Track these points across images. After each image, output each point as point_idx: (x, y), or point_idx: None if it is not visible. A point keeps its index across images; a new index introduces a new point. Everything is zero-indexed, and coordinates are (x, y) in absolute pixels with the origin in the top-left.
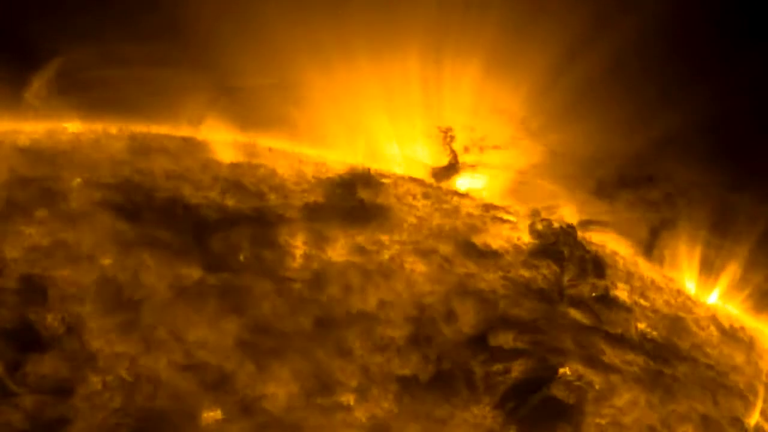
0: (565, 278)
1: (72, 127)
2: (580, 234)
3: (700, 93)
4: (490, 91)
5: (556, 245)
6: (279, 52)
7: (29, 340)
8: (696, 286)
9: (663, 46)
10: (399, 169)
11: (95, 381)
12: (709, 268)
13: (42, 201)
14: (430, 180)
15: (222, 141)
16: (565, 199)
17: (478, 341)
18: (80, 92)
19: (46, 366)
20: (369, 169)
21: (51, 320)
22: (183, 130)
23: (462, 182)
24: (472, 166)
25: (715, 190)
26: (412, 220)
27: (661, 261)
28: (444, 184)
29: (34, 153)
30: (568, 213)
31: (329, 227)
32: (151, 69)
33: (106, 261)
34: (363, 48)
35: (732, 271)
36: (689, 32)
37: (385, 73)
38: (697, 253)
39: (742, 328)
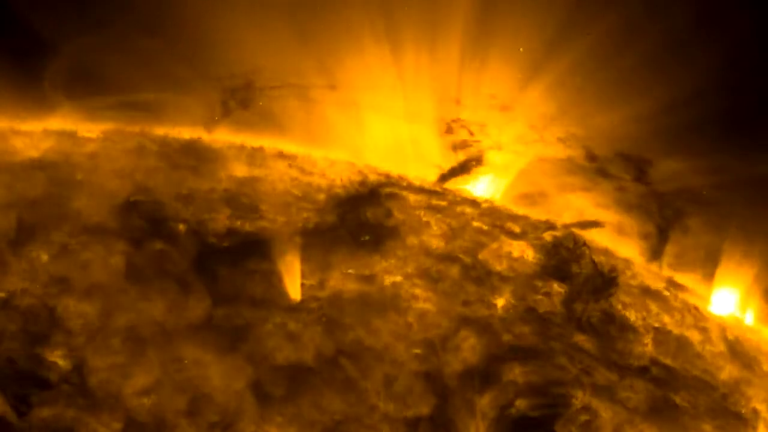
0: (573, 300)
1: (82, 131)
2: (586, 237)
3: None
4: (499, 88)
5: (564, 261)
6: (288, 52)
7: (34, 377)
8: (707, 295)
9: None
10: (407, 173)
11: (100, 423)
12: (721, 274)
13: (51, 224)
14: (438, 186)
15: (231, 148)
16: (573, 199)
17: (486, 374)
18: (89, 94)
19: (50, 405)
20: (377, 182)
21: (57, 356)
22: (194, 133)
23: (470, 186)
24: (481, 167)
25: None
26: (421, 240)
27: (670, 267)
28: (452, 188)
29: (42, 168)
30: (574, 214)
31: (336, 253)
32: (161, 69)
33: (114, 293)
34: (370, 46)
35: (746, 276)
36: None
37: (392, 71)
38: (709, 257)
39: (755, 346)
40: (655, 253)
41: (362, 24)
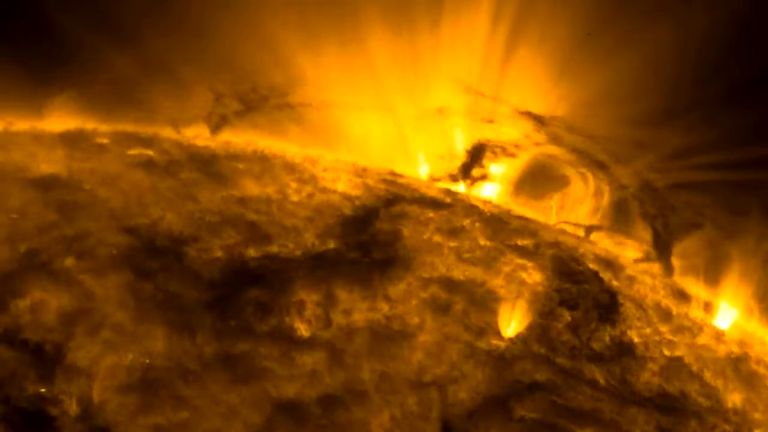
0: (580, 326)
1: (89, 138)
2: (589, 242)
3: None
4: (501, 87)
5: (570, 281)
6: (296, 55)
7: (39, 415)
8: (711, 302)
9: None
10: (414, 178)
11: None
12: (726, 278)
13: (57, 253)
14: (445, 192)
15: (239, 158)
16: (576, 201)
17: (493, 410)
18: (95, 97)
19: None
20: (386, 197)
21: (62, 394)
22: (202, 139)
23: (476, 188)
24: (485, 168)
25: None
26: (429, 265)
27: (674, 273)
28: (459, 193)
29: (47, 187)
30: (578, 216)
31: (345, 282)
32: (169, 72)
33: (120, 328)
34: (376, 47)
35: (750, 280)
36: None
37: (396, 73)
38: (718, 263)
39: (760, 360)
40: (660, 258)
41: (368, 24)
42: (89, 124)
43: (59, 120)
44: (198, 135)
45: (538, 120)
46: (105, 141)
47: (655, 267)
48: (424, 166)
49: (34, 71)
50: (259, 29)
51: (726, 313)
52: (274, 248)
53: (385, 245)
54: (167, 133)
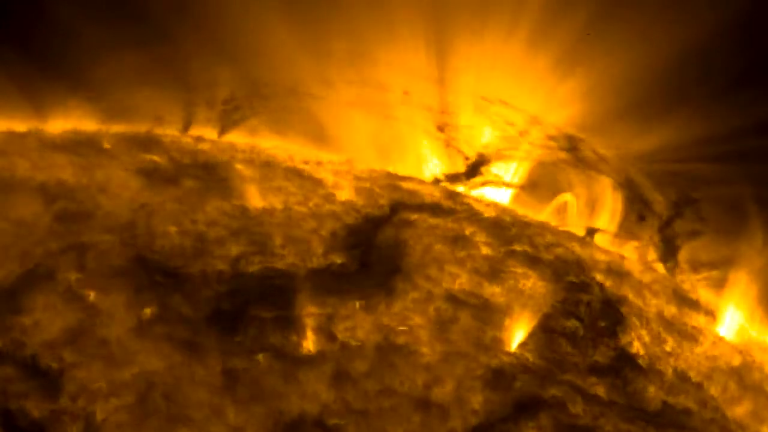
0: (584, 338)
1: (90, 140)
2: (593, 247)
3: None
4: (512, 90)
5: (573, 291)
6: (298, 56)
7: None
8: (716, 307)
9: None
10: (417, 180)
11: None
12: (737, 286)
13: (60, 267)
14: (447, 196)
15: (242, 162)
16: (579, 203)
17: (499, 429)
18: (94, 98)
19: None
20: (390, 203)
21: (64, 416)
22: (205, 143)
23: (481, 193)
24: (491, 174)
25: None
26: (433, 279)
27: (677, 276)
28: (461, 198)
29: (54, 193)
30: (587, 222)
31: (348, 296)
32: (172, 75)
33: (124, 346)
34: (378, 48)
35: (755, 283)
36: None
37: (399, 75)
38: (723, 266)
39: (763, 368)
40: (665, 263)
41: (368, 26)
42: (92, 127)
43: (62, 123)
44: (203, 138)
45: (542, 122)
46: (108, 146)
47: (660, 273)
48: (427, 169)
49: (36, 73)
50: (266, 33)
51: (731, 320)
52: (278, 262)
53: (389, 257)
54: (172, 136)
